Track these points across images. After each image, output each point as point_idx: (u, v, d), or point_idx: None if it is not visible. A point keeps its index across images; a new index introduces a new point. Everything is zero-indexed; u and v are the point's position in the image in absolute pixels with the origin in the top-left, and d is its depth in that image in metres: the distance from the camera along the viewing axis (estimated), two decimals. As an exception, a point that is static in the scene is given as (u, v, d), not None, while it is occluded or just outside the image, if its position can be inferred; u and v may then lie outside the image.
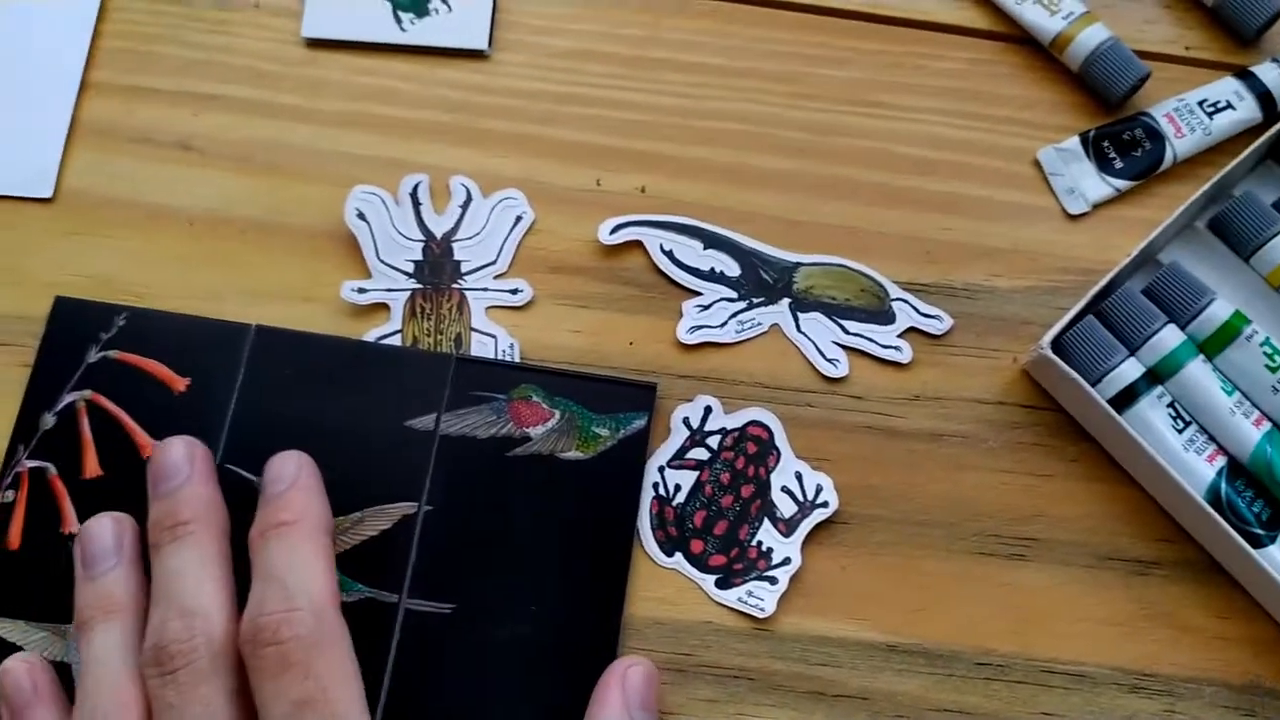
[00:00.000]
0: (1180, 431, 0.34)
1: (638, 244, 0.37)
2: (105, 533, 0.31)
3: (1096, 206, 0.38)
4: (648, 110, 0.39)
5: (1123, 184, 0.38)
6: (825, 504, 0.34)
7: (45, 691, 0.30)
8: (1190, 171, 0.39)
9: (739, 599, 0.33)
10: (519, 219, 0.37)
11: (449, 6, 0.39)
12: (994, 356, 0.36)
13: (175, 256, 0.36)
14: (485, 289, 0.36)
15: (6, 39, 0.38)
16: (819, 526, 0.34)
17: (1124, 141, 0.39)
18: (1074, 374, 0.33)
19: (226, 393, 0.34)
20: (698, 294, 0.36)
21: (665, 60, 0.39)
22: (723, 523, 0.34)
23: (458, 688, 0.32)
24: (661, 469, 0.34)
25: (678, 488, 0.34)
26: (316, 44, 0.39)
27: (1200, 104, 0.39)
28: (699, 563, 0.34)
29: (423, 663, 0.32)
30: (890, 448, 0.35)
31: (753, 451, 0.35)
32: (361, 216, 0.36)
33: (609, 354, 0.36)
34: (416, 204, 0.37)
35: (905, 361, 0.36)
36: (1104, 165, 0.38)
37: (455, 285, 0.36)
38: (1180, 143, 0.38)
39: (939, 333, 0.36)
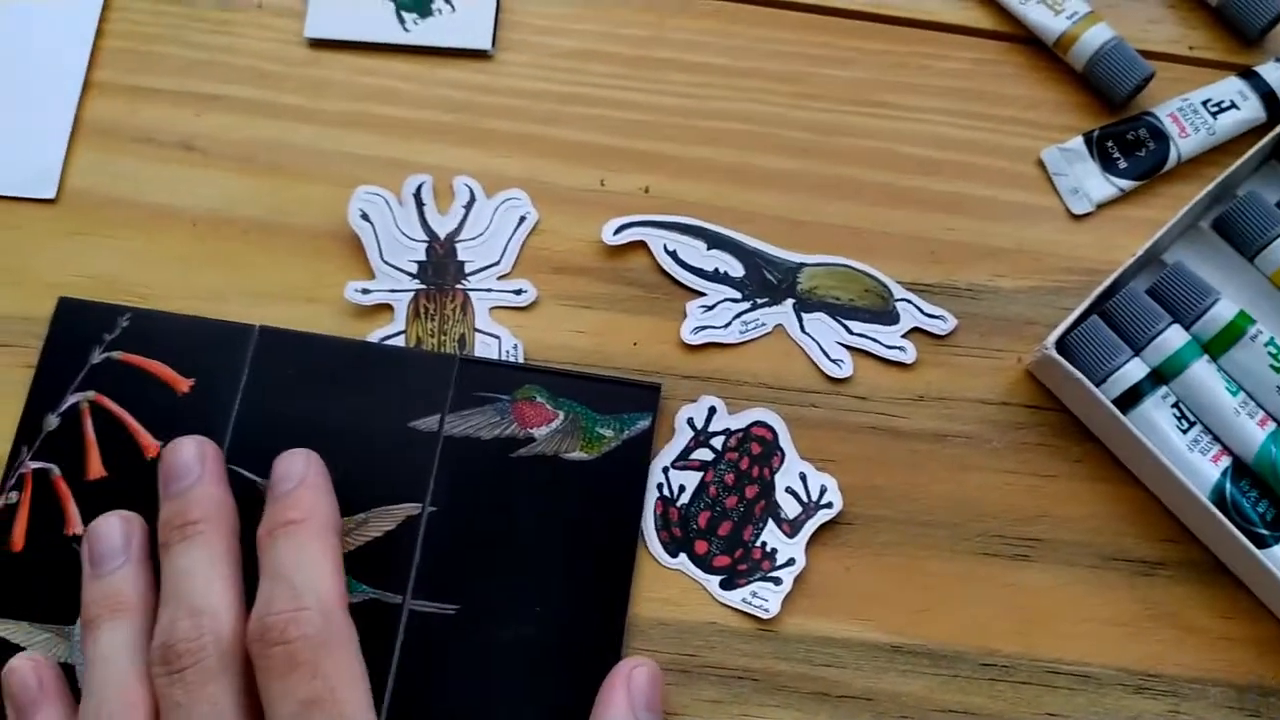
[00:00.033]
0: (1185, 432, 0.34)
1: (641, 244, 0.37)
2: (113, 531, 0.31)
3: (1101, 206, 0.38)
4: (651, 110, 0.39)
5: (1127, 184, 0.38)
6: (830, 505, 0.34)
7: (51, 689, 0.30)
8: (1194, 171, 0.39)
9: (743, 600, 0.33)
10: (522, 219, 0.37)
11: (452, 6, 0.39)
12: (998, 357, 0.36)
13: (178, 257, 0.36)
14: (489, 289, 0.36)
15: (9, 39, 0.38)
16: (823, 527, 0.34)
17: (1128, 141, 0.39)
18: (1078, 374, 0.33)
19: (230, 393, 0.34)
20: (702, 294, 0.36)
21: (669, 60, 0.39)
22: (727, 523, 0.34)
23: (462, 689, 0.32)
24: (666, 470, 0.34)
25: (682, 488, 0.34)
26: (319, 44, 0.39)
27: (1204, 104, 0.39)
28: (703, 563, 0.34)
29: (427, 664, 0.32)
30: (894, 448, 0.35)
31: (757, 452, 0.35)
32: (365, 217, 0.36)
33: (613, 354, 0.36)
34: (420, 204, 0.37)
35: (909, 362, 0.36)
36: (1108, 165, 0.38)
37: (459, 286, 0.36)
38: (1184, 143, 0.38)
39: (943, 333, 0.36)
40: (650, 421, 0.34)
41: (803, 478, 0.34)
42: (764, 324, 0.36)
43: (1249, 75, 0.39)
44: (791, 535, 0.34)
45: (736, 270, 0.37)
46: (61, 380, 0.34)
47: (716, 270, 0.37)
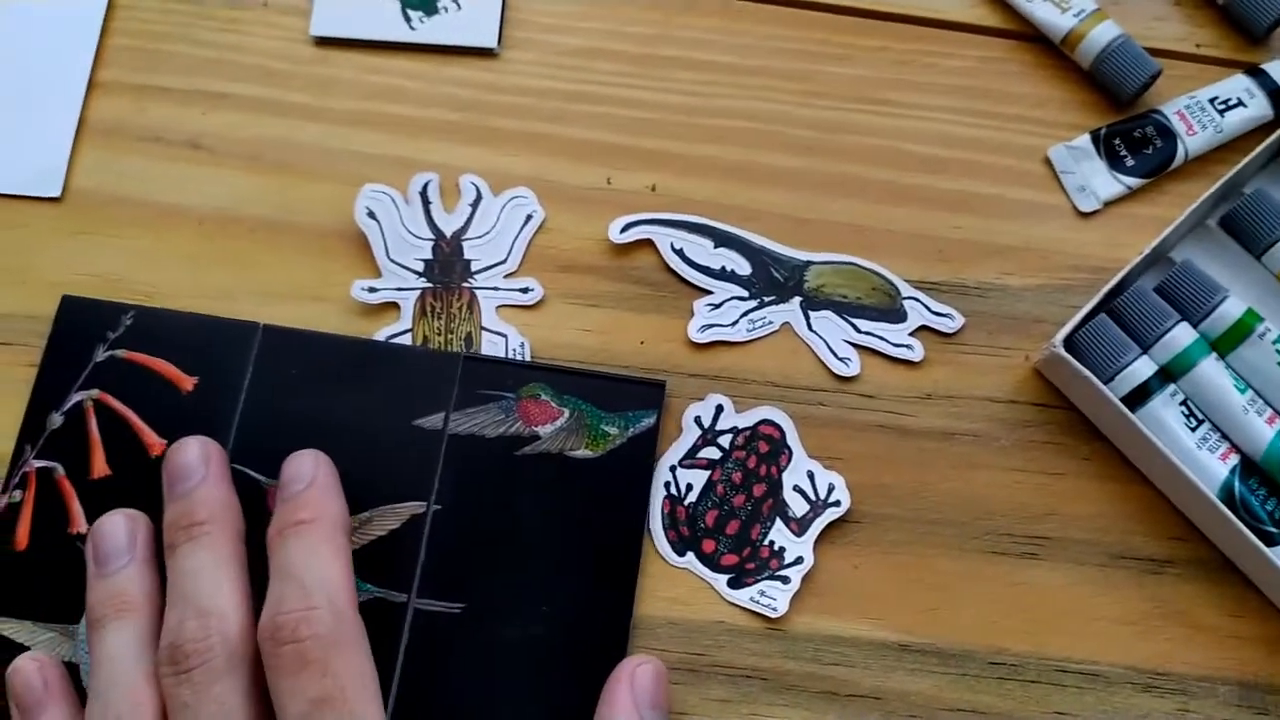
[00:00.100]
0: (1193, 430, 0.34)
1: (648, 242, 0.37)
2: (118, 530, 0.30)
3: (1108, 204, 0.38)
4: (657, 108, 0.38)
5: (1134, 181, 0.38)
6: (837, 503, 0.34)
7: (56, 689, 0.30)
8: (1201, 169, 0.39)
9: (751, 599, 0.33)
10: (529, 218, 0.37)
11: (458, 5, 0.39)
12: (1006, 355, 0.36)
13: (185, 256, 0.36)
14: (495, 288, 0.36)
15: (14, 38, 0.38)
16: (831, 526, 0.34)
17: (1135, 139, 0.38)
18: (1086, 372, 0.33)
19: (234, 392, 0.34)
20: (709, 293, 0.36)
21: (675, 58, 0.39)
22: (735, 522, 0.34)
23: (467, 688, 0.31)
24: (673, 468, 0.34)
25: (689, 487, 0.34)
26: (326, 42, 0.39)
27: (1211, 101, 0.39)
28: (711, 562, 0.33)
29: (432, 663, 0.32)
30: (902, 446, 0.35)
31: (764, 450, 0.34)
32: (371, 215, 0.36)
33: (620, 353, 0.36)
34: (426, 203, 0.37)
35: (917, 360, 0.36)
36: (1115, 163, 0.38)
37: (465, 284, 0.36)
38: (1191, 140, 0.38)
39: (950, 331, 0.36)
40: (655, 419, 0.34)
41: (810, 476, 0.34)
42: (771, 322, 0.36)
43: (1256, 73, 0.39)
44: (799, 534, 0.34)
45: (743, 268, 0.37)
46: (65, 378, 0.34)
47: (723, 268, 0.37)
